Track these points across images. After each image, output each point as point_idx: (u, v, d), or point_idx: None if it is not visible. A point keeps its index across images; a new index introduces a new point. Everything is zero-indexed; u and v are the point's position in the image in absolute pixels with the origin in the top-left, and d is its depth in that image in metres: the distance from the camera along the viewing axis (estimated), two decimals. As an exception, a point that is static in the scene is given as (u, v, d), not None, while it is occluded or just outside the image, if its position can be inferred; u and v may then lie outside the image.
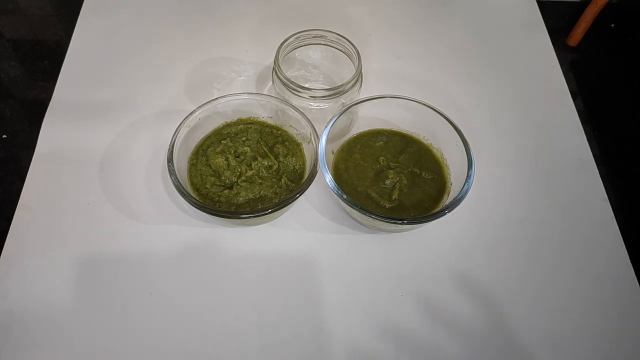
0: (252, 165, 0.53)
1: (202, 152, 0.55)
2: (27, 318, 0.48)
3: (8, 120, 0.72)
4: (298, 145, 0.56)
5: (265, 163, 0.53)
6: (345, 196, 0.48)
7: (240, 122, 0.57)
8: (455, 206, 0.48)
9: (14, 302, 0.49)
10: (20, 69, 0.79)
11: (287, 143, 0.56)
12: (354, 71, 0.56)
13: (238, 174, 0.53)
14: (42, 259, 0.51)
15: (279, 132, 0.57)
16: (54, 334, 0.47)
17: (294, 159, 0.55)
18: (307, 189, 0.49)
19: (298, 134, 0.56)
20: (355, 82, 0.56)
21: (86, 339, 0.47)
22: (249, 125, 0.57)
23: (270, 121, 0.58)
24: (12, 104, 0.75)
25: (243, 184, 0.52)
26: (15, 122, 0.72)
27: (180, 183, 0.49)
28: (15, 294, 0.49)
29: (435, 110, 0.54)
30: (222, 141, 0.55)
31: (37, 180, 0.57)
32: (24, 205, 0.55)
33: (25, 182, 0.56)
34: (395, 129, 0.58)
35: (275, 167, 0.54)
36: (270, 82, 0.60)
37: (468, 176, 0.50)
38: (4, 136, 0.71)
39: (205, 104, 0.54)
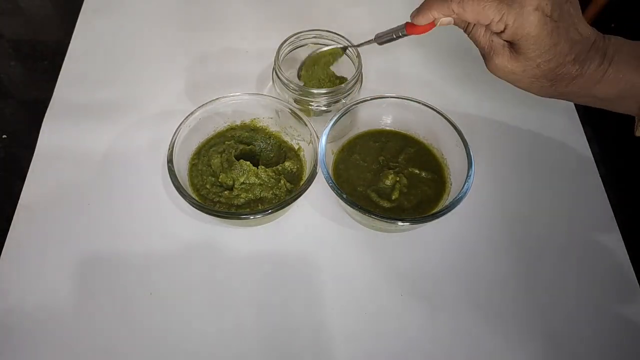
0: (246, 166, 0.53)
1: (204, 152, 0.55)
2: (27, 318, 0.48)
3: (8, 120, 0.72)
4: (298, 148, 0.56)
5: (264, 165, 0.54)
6: (345, 196, 0.48)
7: (243, 126, 0.58)
8: (455, 206, 0.48)
9: (14, 302, 0.49)
10: (20, 69, 0.79)
11: (288, 144, 0.56)
12: (354, 71, 0.56)
13: (237, 175, 0.52)
14: (42, 259, 0.51)
15: (279, 135, 0.58)
16: (54, 334, 0.47)
17: (292, 161, 0.55)
18: (306, 190, 0.49)
19: (298, 135, 0.56)
20: (355, 82, 0.56)
21: (86, 339, 0.47)
22: (252, 132, 0.57)
23: (270, 122, 0.58)
24: (12, 104, 0.75)
25: (242, 185, 0.52)
26: (15, 122, 0.72)
27: (180, 183, 0.49)
28: (15, 294, 0.49)
29: (435, 110, 0.54)
30: (226, 142, 0.55)
31: (37, 180, 0.57)
32: (24, 205, 0.55)
33: (25, 182, 0.56)
34: (395, 129, 0.58)
35: (275, 168, 0.54)
36: (271, 82, 0.60)
37: (468, 176, 0.50)
38: (4, 136, 0.71)
39: (206, 104, 0.54)
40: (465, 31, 0.43)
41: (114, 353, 0.47)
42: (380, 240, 0.54)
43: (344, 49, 0.58)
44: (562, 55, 0.38)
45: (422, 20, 0.43)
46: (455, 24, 0.43)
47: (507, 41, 0.40)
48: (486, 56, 0.42)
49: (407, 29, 0.47)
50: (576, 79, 0.39)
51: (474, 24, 0.42)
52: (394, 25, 0.50)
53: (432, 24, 0.44)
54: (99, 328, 0.48)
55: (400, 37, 0.49)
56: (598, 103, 0.42)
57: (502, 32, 0.39)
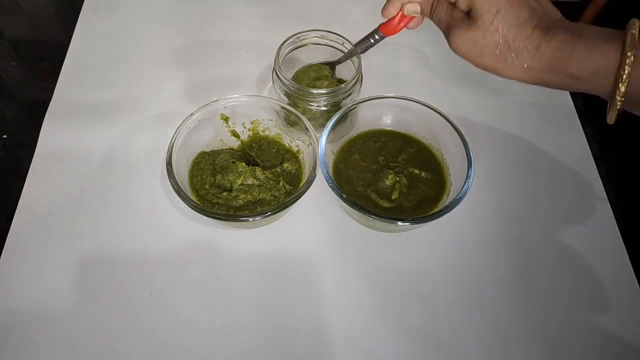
0: (241, 167, 0.53)
1: (210, 153, 0.55)
2: (27, 318, 0.48)
3: (8, 120, 0.72)
4: (297, 151, 0.56)
5: (263, 166, 0.54)
6: (345, 196, 0.48)
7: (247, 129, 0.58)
8: (455, 206, 0.48)
9: (14, 302, 0.49)
10: (21, 69, 0.79)
11: (287, 146, 0.56)
12: (354, 71, 0.56)
13: (234, 178, 0.52)
14: (42, 259, 0.51)
15: (279, 137, 0.58)
16: (54, 333, 0.47)
17: (291, 163, 0.55)
18: (305, 192, 0.49)
19: (298, 137, 0.56)
20: (355, 82, 0.56)
21: (86, 338, 0.47)
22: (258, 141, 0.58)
23: (270, 123, 0.58)
24: (12, 104, 0.75)
25: (241, 186, 0.52)
26: (15, 122, 0.72)
27: (179, 185, 0.49)
28: (15, 294, 0.49)
29: (435, 110, 0.54)
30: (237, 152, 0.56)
31: (37, 180, 0.57)
32: (24, 205, 0.55)
33: (25, 182, 0.56)
34: (395, 129, 0.58)
35: (273, 170, 0.53)
36: (271, 83, 0.60)
37: (468, 176, 0.50)
38: (4, 136, 0.71)
39: (205, 105, 0.54)
40: (429, 15, 0.45)
41: (114, 353, 0.47)
42: (381, 240, 0.54)
43: (332, 67, 0.59)
44: (521, 17, 0.38)
45: (391, 11, 0.46)
46: (421, 10, 0.45)
47: (465, 12, 0.41)
48: (448, 32, 0.43)
49: (381, 29, 0.50)
50: (542, 49, 0.38)
51: (437, 4, 0.43)
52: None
53: (403, 19, 0.47)
54: (99, 328, 0.48)
55: (378, 40, 0.51)
56: (572, 84, 0.40)
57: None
